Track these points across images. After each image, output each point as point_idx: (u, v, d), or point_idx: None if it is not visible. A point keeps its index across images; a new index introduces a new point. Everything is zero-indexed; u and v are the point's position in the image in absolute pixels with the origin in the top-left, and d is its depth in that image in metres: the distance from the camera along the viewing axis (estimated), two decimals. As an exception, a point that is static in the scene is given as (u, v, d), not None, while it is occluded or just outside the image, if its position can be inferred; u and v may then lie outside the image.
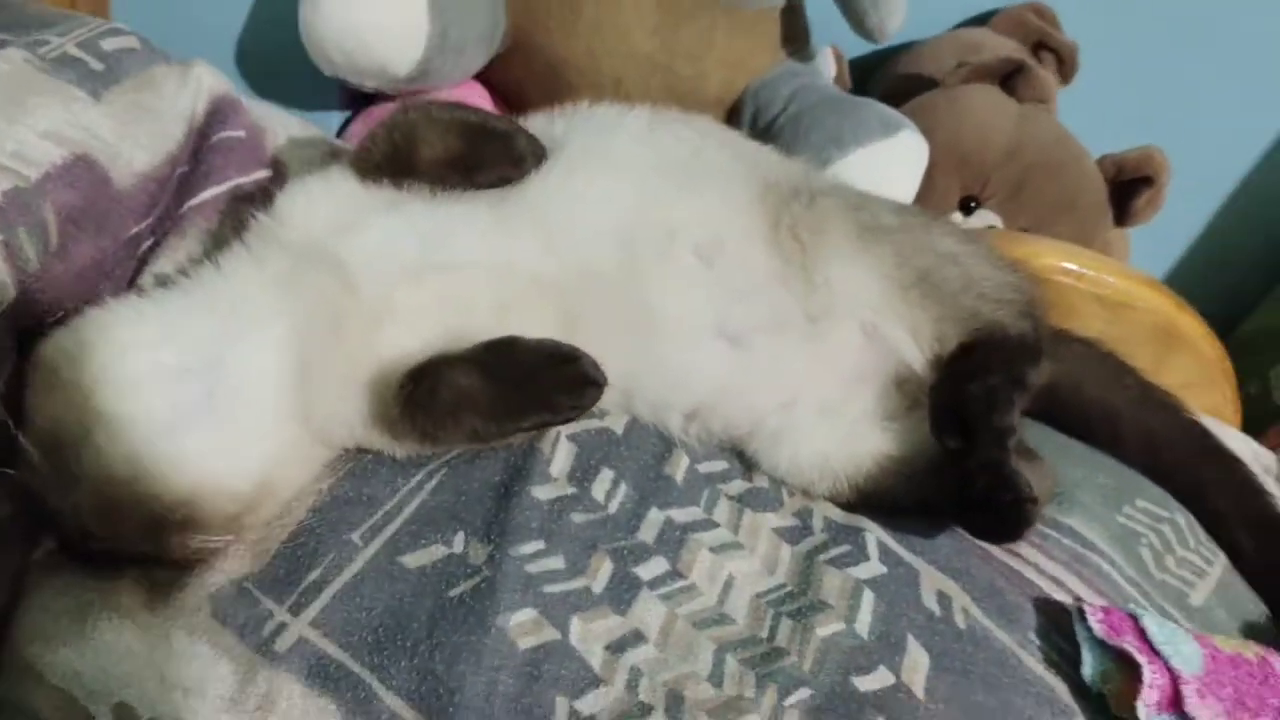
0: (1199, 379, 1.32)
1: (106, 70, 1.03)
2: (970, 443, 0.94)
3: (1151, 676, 0.85)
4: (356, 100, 1.45)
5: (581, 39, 1.36)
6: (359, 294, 0.92)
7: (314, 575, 0.86)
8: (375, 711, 0.79)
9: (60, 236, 0.91)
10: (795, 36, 1.47)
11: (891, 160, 1.33)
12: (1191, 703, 0.83)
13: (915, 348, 1.03)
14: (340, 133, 1.50)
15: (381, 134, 0.98)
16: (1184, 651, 0.87)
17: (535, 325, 0.93)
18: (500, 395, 0.87)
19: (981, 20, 1.78)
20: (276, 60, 1.41)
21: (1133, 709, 0.84)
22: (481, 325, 0.92)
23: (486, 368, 0.87)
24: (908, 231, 1.05)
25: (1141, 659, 0.85)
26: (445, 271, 0.94)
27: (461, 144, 0.97)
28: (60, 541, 0.84)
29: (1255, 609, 1.10)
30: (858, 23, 1.31)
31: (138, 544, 0.83)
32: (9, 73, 0.96)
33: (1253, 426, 1.52)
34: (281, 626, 0.83)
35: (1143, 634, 0.88)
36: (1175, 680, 0.85)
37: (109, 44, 1.06)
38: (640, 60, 1.36)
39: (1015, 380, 0.98)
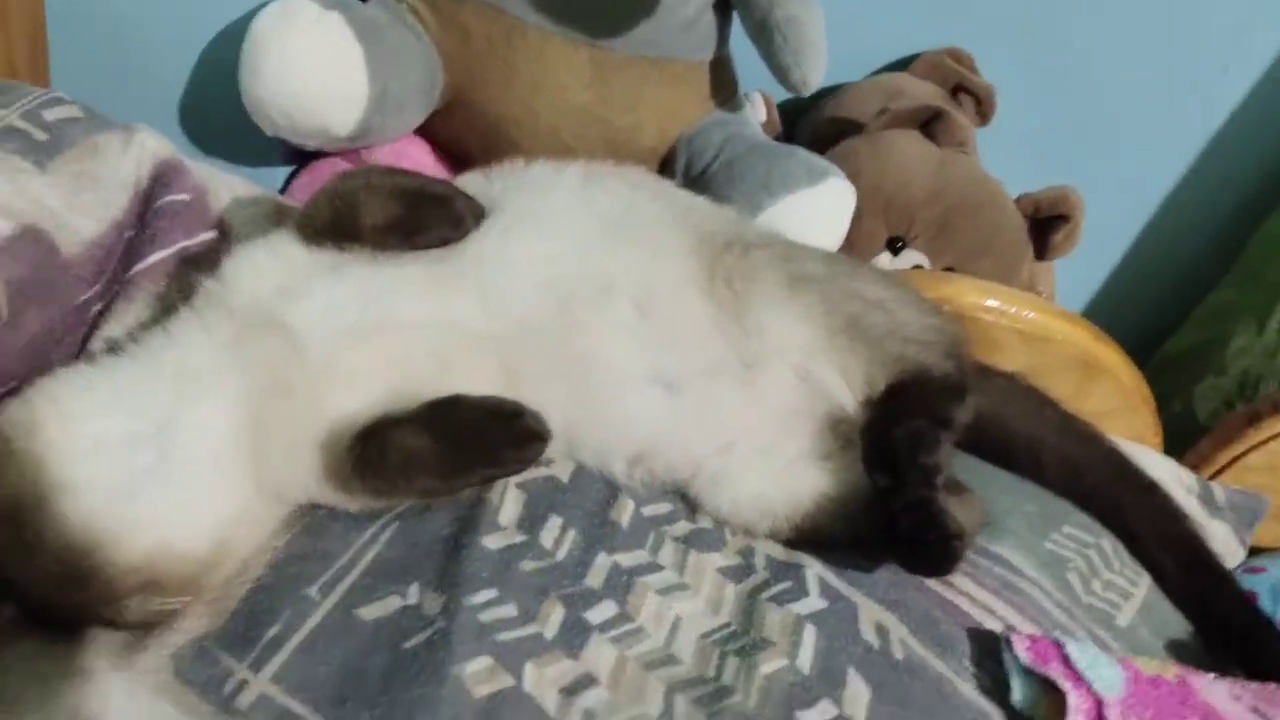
0: (1120, 405, 1.38)
1: (50, 140, 1.04)
2: (899, 481, 0.98)
3: (1076, 702, 0.88)
4: (301, 155, 1.47)
5: (519, 95, 1.39)
6: (306, 357, 0.94)
7: (273, 631, 0.87)
8: (338, 765, 0.81)
9: (10, 308, 0.93)
10: (723, 87, 1.52)
11: (819, 206, 1.38)
12: (1115, 724, 0.88)
13: (846, 389, 1.07)
14: (285, 187, 1.51)
15: (324, 201, 1.00)
16: (1106, 675, 0.91)
17: (478, 380, 0.96)
18: (448, 454, 0.89)
19: (902, 65, 1.85)
20: (218, 119, 1.42)
21: (1062, 730, 0.89)
22: (425, 382, 0.94)
23: (433, 427, 0.90)
24: (835, 280, 1.10)
25: (1066, 685, 0.89)
26: (388, 332, 0.97)
27: (401, 209, 1.00)
28: (22, 608, 0.85)
29: (1178, 627, 1.15)
30: (782, 77, 1.36)
31: (98, 610, 0.84)
32: (-46, 147, 0.98)
33: (1177, 444, 1.59)
34: (243, 684, 0.84)
35: (1067, 660, 0.93)
36: (1099, 704, 0.89)
37: (51, 114, 1.07)
38: (577, 112, 1.40)
39: (941, 420, 1.02)
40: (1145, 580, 1.17)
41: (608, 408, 1.02)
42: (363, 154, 1.44)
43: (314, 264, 0.99)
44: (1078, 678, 0.91)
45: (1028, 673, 0.93)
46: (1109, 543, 1.18)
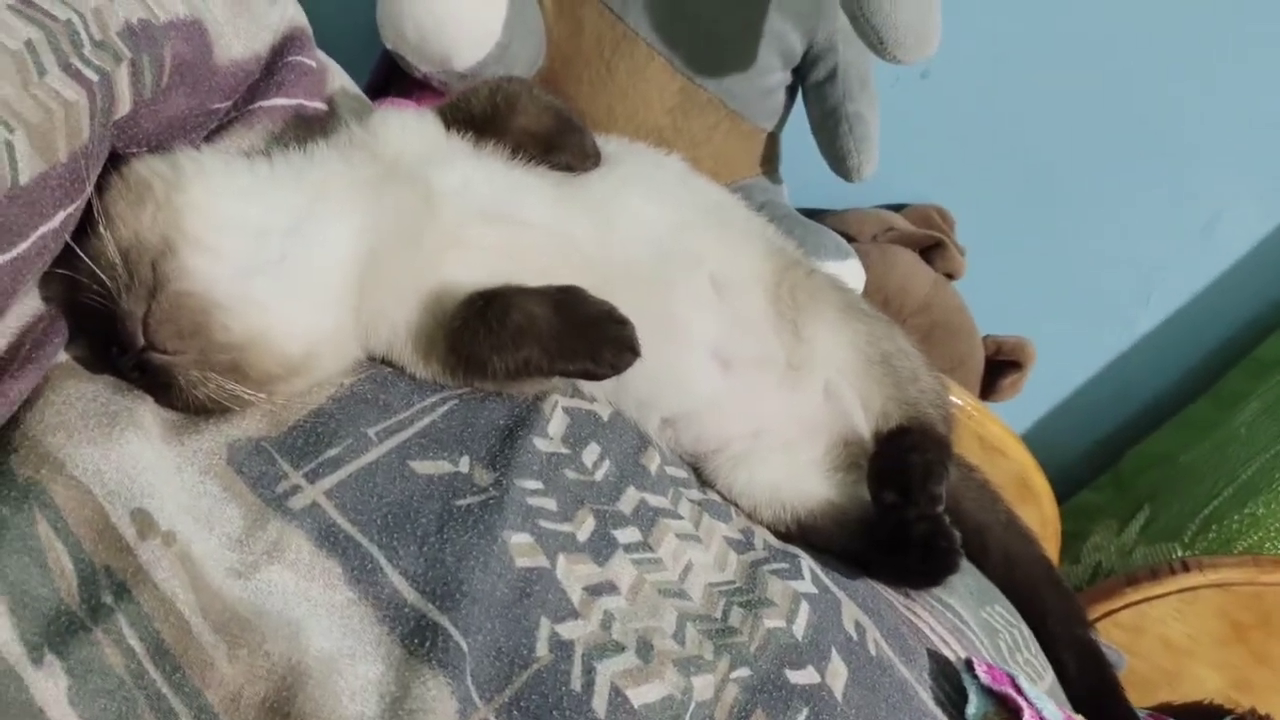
0: (1039, 532, 1.50)
1: (217, -33, 1.06)
2: (907, 500, 1.06)
3: (1029, 718, 0.96)
4: (383, 90, 1.50)
5: (607, 99, 1.47)
6: (439, 217, 0.96)
7: (331, 453, 0.86)
8: (379, 584, 0.80)
9: (169, 79, 0.92)
10: (772, 159, 1.63)
11: (841, 279, 1.49)
12: (1058, 747, 0.95)
13: (864, 416, 1.15)
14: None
15: (484, 93, 1.04)
16: (1049, 709, 0.99)
17: None
18: (562, 333, 0.92)
19: (894, 209, 2.03)
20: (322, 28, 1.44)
21: (1008, 748, 0.95)
22: (532, 277, 0.97)
23: (558, 304, 0.92)
24: (879, 322, 1.19)
25: (1021, 703, 0.97)
26: (513, 223, 1.00)
27: (552, 124, 1.05)
28: (115, 344, 0.82)
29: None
30: (839, 160, 1.49)
31: (188, 368, 0.82)
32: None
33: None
34: (296, 488, 0.83)
35: (1019, 689, 1.00)
36: (1046, 727, 0.97)
37: (216, -51, 1.09)
38: (650, 131, 1.48)
39: (944, 464, 1.11)
40: (1050, 673, 1.26)
41: (669, 361, 1.06)
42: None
43: (455, 146, 1.02)
44: (1029, 703, 0.98)
45: (986, 692, 1.00)
46: (1027, 631, 1.27)
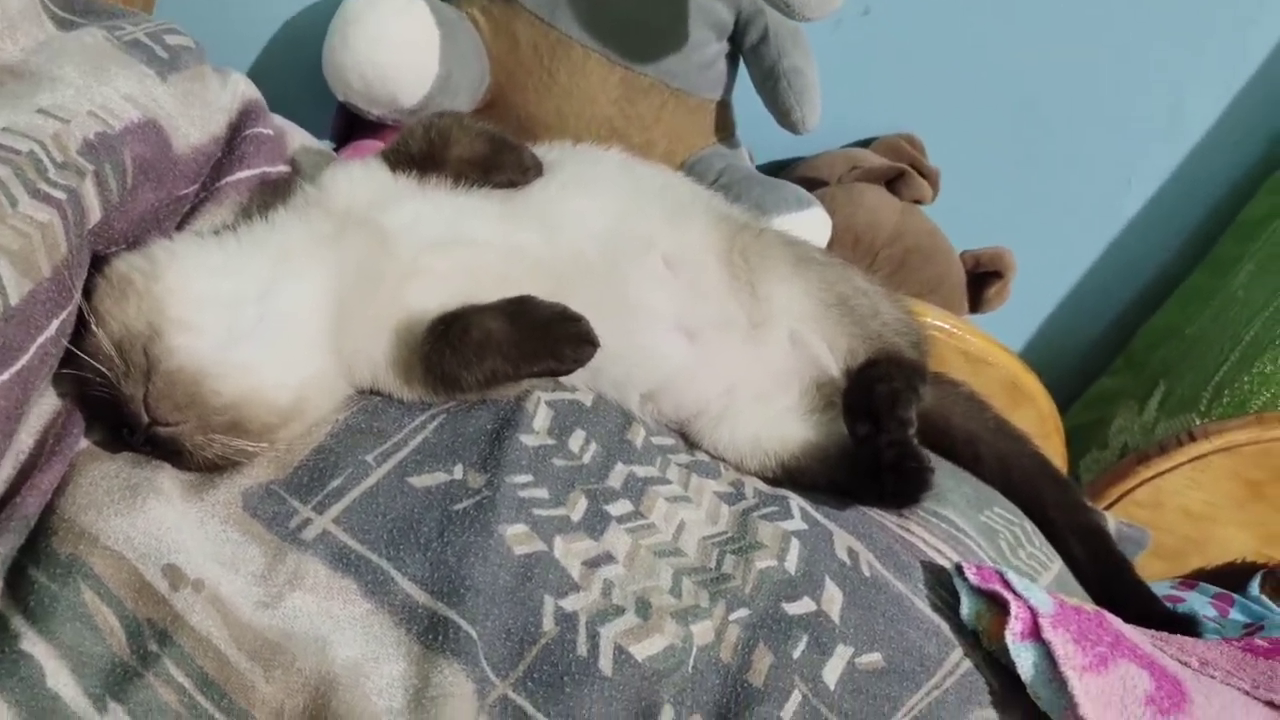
0: (1037, 431, 1.53)
1: (169, 59, 1.12)
2: (877, 428, 1.11)
3: (1016, 610, 1.01)
4: (346, 134, 1.58)
5: (553, 102, 1.53)
6: (395, 253, 1.03)
7: (334, 483, 0.94)
8: (392, 592, 0.88)
9: (133, 180, 1.00)
10: (725, 126, 1.68)
11: (803, 229, 1.53)
12: (1047, 632, 1.00)
13: (830, 357, 1.20)
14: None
15: (418, 132, 1.11)
16: (1039, 596, 1.04)
17: None
18: (520, 339, 0.99)
19: (864, 144, 2.06)
20: (284, 88, 1.52)
21: (1001, 639, 1.00)
22: (487, 293, 1.03)
23: (511, 315, 0.99)
24: (831, 267, 1.24)
25: (1008, 596, 1.02)
26: (465, 246, 1.07)
27: (485, 148, 1.11)
28: (124, 426, 0.91)
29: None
30: (783, 118, 1.53)
31: (192, 434, 0.91)
32: (92, 45, 1.05)
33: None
34: (306, 521, 0.91)
35: (1007, 584, 1.05)
36: (1034, 614, 1.01)
37: (171, 39, 1.16)
38: (600, 124, 1.54)
39: (912, 388, 1.16)
40: (1058, 562, 1.30)
41: (636, 342, 1.13)
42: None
43: (402, 185, 1.10)
44: (1017, 595, 1.03)
45: (975, 592, 1.05)
46: (1029, 526, 1.31)
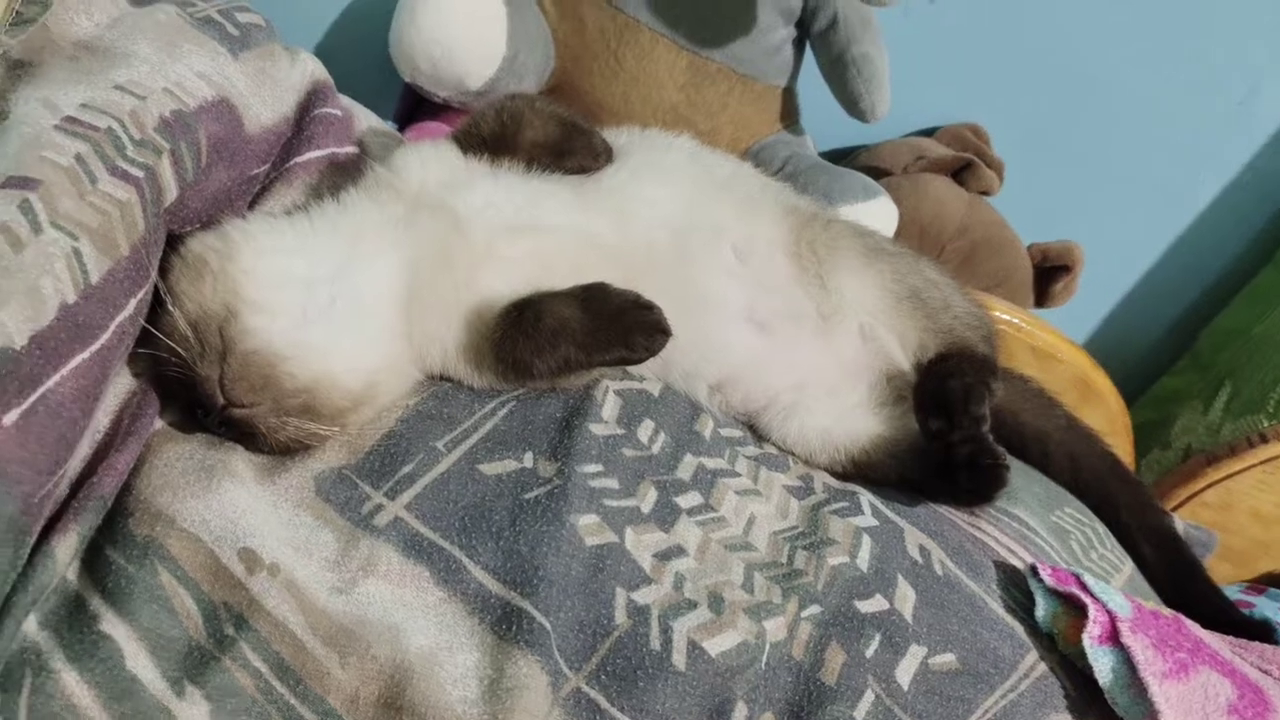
0: (1106, 429, 1.49)
1: (241, 36, 1.12)
2: (950, 424, 1.08)
3: (1095, 614, 0.98)
4: (410, 117, 1.56)
5: (620, 87, 1.51)
6: (468, 238, 1.02)
7: (406, 469, 0.93)
8: (464, 580, 0.87)
9: (207, 159, 1.00)
10: (791, 113, 1.65)
11: (870, 219, 1.50)
12: (1126, 636, 0.97)
13: (901, 351, 1.18)
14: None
15: (491, 115, 1.09)
16: (1117, 600, 1.01)
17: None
18: (594, 327, 0.97)
19: (928, 133, 2.01)
20: (349, 68, 1.51)
21: (1078, 643, 0.97)
22: (562, 278, 1.02)
23: (585, 303, 0.98)
24: (903, 258, 1.21)
25: (1086, 599, 0.99)
26: (537, 231, 1.05)
27: (558, 132, 1.10)
28: (199, 407, 0.91)
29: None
30: (851, 103, 1.50)
31: (266, 417, 0.90)
32: (166, 22, 1.05)
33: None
34: (379, 507, 0.90)
35: (1084, 586, 1.02)
36: (1113, 618, 0.99)
37: (241, 17, 1.15)
38: (666, 110, 1.52)
39: (985, 383, 1.13)
40: (1129, 563, 1.27)
41: (706, 333, 1.11)
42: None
43: (473, 168, 1.08)
44: (1094, 598, 1.00)
45: (1051, 594, 1.02)
46: (1100, 527, 1.28)
